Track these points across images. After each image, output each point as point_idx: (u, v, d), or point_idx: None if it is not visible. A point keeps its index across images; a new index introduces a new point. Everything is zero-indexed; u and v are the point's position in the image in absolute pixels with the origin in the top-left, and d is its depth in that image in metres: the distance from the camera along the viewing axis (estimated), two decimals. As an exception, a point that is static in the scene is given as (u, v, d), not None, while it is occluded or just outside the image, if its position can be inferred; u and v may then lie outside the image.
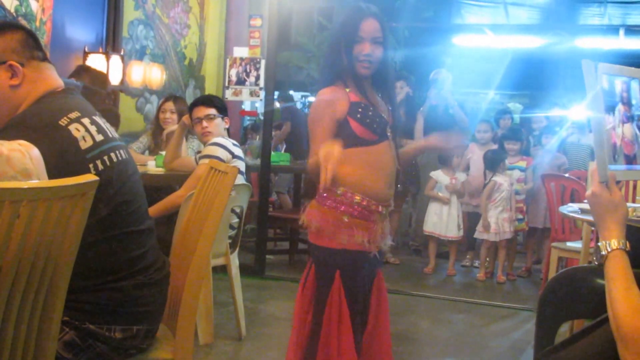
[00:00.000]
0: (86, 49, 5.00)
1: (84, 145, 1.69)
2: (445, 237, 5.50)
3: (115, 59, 5.12)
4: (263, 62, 5.33)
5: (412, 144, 2.59)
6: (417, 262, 5.94)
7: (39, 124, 1.65)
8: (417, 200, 6.22)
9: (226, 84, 5.53)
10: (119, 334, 1.73)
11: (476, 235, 5.46)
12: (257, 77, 5.43)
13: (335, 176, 2.13)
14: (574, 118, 6.58)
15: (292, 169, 6.09)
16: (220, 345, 3.43)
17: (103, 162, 1.72)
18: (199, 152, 4.10)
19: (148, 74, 5.80)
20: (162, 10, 6.09)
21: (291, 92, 13.25)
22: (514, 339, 3.91)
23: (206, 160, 3.23)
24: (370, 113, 2.20)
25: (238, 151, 3.61)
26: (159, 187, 3.86)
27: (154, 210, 3.26)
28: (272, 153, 5.40)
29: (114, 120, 4.18)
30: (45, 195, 1.23)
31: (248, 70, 5.44)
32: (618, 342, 1.32)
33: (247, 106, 9.21)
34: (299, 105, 12.60)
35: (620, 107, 1.56)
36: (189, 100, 5.71)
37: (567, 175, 5.16)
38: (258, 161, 5.29)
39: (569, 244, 4.30)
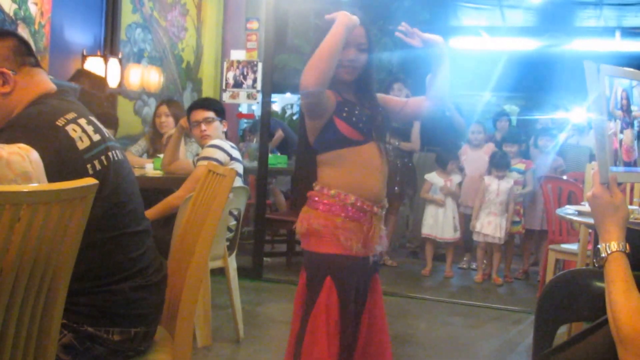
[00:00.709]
0: (84, 52, 5.00)
1: (81, 145, 1.69)
2: (442, 239, 5.51)
3: (113, 62, 5.12)
4: (260, 64, 5.33)
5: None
6: (414, 265, 5.94)
7: (35, 124, 1.65)
8: (414, 203, 6.23)
9: (223, 87, 5.52)
10: (117, 336, 1.73)
11: (474, 237, 5.48)
12: (254, 80, 5.43)
13: (327, 178, 2.14)
14: (573, 120, 6.60)
15: (289, 172, 6.10)
16: (218, 348, 3.43)
17: (100, 162, 1.73)
18: (197, 154, 4.10)
19: (146, 76, 5.80)
20: (160, 13, 6.09)
21: (288, 94, 13.26)
22: (511, 341, 3.91)
23: (204, 162, 3.23)
24: (356, 112, 2.17)
25: (236, 153, 3.61)
26: (157, 190, 3.86)
27: (152, 212, 3.27)
28: (270, 155, 5.40)
29: (113, 123, 4.19)
30: (45, 198, 1.23)
31: (245, 73, 5.44)
32: (617, 345, 1.32)
33: (244, 109, 9.21)
34: (295, 109, 12.59)
35: (619, 113, 1.56)
36: (187, 103, 5.71)
37: (565, 177, 5.17)
38: (255, 163, 5.29)
39: (566, 246, 4.31)
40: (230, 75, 5.45)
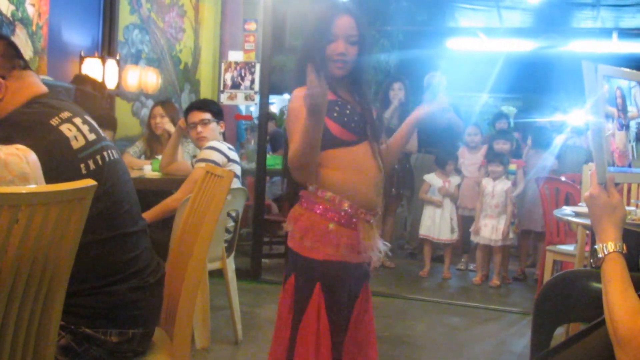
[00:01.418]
0: (82, 53, 5.00)
1: (76, 144, 1.69)
2: (438, 240, 5.52)
3: (111, 63, 5.12)
4: (258, 66, 5.33)
5: (402, 125, 2.35)
6: (412, 266, 5.94)
7: (27, 122, 1.65)
8: (412, 204, 6.23)
9: (221, 88, 5.53)
10: (114, 337, 1.73)
11: (473, 238, 5.49)
12: (252, 81, 5.43)
13: (322, 178, 2.06)
14: (570, 121, 6.61)
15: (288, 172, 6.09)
16: (216, 350, 3.43)
17: (95, 162, 1.73)
18: (194, 156, 4.10)
19: (144, 78, 5.80)
20: (157, 14, 6.09)
21: (286, 95, 13.25)
22: (509, 342, 3.91)
23: (202, 164, 3.23)
24: (347, 112, 2.08)
25: (234, 155, 3.61)
26: (156, 191, 3.86)
27: (150, 214, 3.26)
28: (268, 156, 5.40)
29: (112, 124, 4.18)
30: (43, 200, 1.23)
31: (243, 74, 5.44)
32: (615, 345, 1.33)
33: (243, 110, 9.21)
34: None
35: (615, 114, 1.56)
36: (185, 104, 5.72)
37: (562, 178, 5.18)
38: (253, 165, 5.29)
39: (564, 247, 4.32)
40: (228, 76, 5.45)
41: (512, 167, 5.54)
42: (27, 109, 1.71)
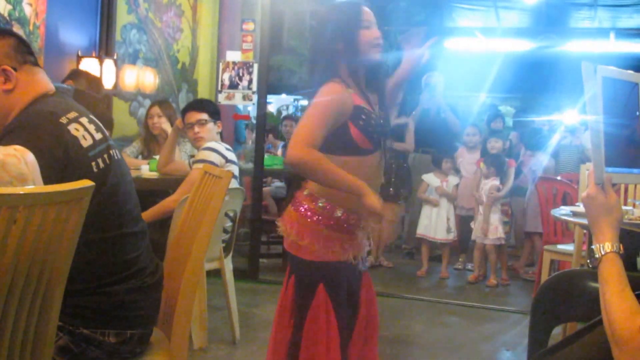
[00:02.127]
0: (79, 53, 4.99)
1: (85, 143, 1.71)
2: (434, 239, 5.52)
3: (109, 63, 5.11)
4: (256, 65, 5.33)
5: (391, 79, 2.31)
6: (410, 265, 5.95)
7: (41, 121, 1.66)
8: (409, 204, 6.23)
9: (219, 88, 5.52)
10: (112, 338, 1.73)
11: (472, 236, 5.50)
12: (250, 81, 5.43)
13: (316, 185, 2.04)
14: (568, 121, 6.62)
15: (285, 173, 6.10)
16: (214, 350, 3.43)
17: (103, 160, 1.74)
18: (192, 156, 4.10)
19: (141, 77, 5.79)
20: (155, 14, 6.08)
21: (284, 95, 13.26)
22: (506, 341, 3.92)
23: (200, 165, 3.23)
24: (372, 121, 2.03)
25: (231, 155, 3.61)
26: (153, 191, 3.85)
27: (147, 214, 3.26)
28: (265, 156, 5.40)
29: (108, 125, 4.17)
30: (41, 200, 1.23)
31: (241, 74, 5.44)
32: (612, 345, 1.33)
33: (242, 109, 9.20)
34: (291, 109, 12.59)
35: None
36: (183, 104, 5.71)
37: (559, 177, 5.19)
38: (251, 165, 5.29)
39: (561, 246, 4.32)
40: (226, 76, 5.45)
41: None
42: (34, 108, 1.72)
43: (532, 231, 5.62)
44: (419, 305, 4.62)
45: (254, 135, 5.79)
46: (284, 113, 11.49)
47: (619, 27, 10.40)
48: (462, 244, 5.92)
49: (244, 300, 4.32)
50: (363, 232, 2.12)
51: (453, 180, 5.60)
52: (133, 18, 5.74)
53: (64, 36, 4.94)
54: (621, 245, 1.42)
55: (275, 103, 13.75)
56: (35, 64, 1.82)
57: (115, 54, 5.31)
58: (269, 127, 7.29)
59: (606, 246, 1.41)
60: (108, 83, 5.08)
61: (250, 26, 5.61)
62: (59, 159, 1.61)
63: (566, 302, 2.19)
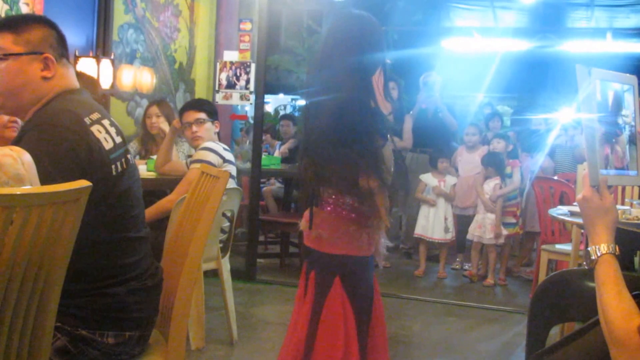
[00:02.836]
0: (77, 53, 4.98)
1: (107, 146, 1.74)
2: (431, 239, 5.53)
3: (106, 62, 5.10)
4: (253, 65, 5.32)
5: None
6: (407, 265, 5.95)
7: (65, 121, 1.69)
8: (407, 204, 6.23)
9: (216, 88, 5.52)
10: (111, 339, 1.73)
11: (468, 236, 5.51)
12: (247, 81, 5.42)
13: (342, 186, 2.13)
14: (564, 121, 6.62)
15: (283, 173, 6.10)
16: (211, 350, 3.42)
17: (121, 164, 1.78)
18: (189, 156, 4.09)
19: (138, 77, 5.78)
20: (152, 14, 6.08)
21: (281, 95, 13.24)
22: (504, 341, 3.92)
23: (197, 165, 3.23)
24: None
25: (229, 155, 3.61)
26: (150, 191, 3.85)
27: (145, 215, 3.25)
28: (263, 156, 5.40)
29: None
30: (38, 201, 1.23)
31: (238, 74, 5.43)
32: (610, 346, 1.33)
33: (239, 109, 9.19)
34: (289, 109, 12.59)
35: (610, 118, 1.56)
36: (180, 104, 5.70)
37: (555, 177, 5.19)
38: (248, 165, 5.28)
39: (559, 246, 4.32)
40: (223, 76, 5.44)
41: (508, 169, 5.54)
42: (58, 105, 1.75)
43: (529, 231, 5.62)
44: (416, 305, 4.62)
45: (250, 136, 5.79)
46: (282, 113, 11.48)
47: (615, 27, 10.42)
48: (460, 244, 5.92)
49: (242, 300, 4.32)
50: (380, 225, 2.20)
51: (450, 180, 5.60)
52: (130, 18, 5.74)
53: (61, 36, 4.93)
54: (617, 247, 1.42)
55: (273, 103, 13.74)
56: (68, 60, 1.89)
57: (113, 54, 5.30)
58: (266, 127, 7.28)
59: (602, 248, 1.41)
60: (105, 83, 5.07)
61: (247, 26, 5.61)
62: (83, 160, 1.63)
63: (564, 302, 2.20)
